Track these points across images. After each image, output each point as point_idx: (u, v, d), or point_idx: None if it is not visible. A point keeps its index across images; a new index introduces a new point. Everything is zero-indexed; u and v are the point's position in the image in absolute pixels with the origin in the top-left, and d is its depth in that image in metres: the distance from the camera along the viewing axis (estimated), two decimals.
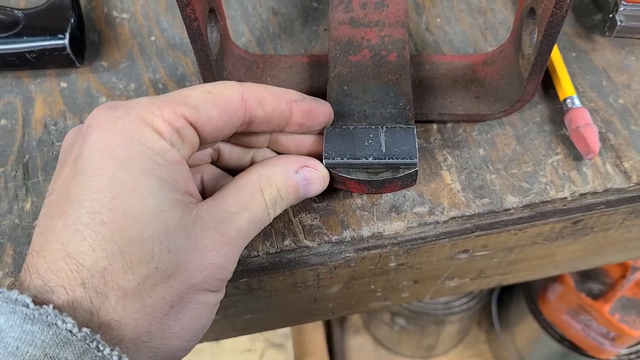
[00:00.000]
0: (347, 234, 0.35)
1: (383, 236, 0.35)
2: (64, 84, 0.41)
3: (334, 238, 0.35)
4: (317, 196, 0.36)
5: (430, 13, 0.43)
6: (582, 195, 0.36)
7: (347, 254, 0.36)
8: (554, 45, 0.32)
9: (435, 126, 0.38)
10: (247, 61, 0.40)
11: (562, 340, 0.86)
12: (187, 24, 0.32)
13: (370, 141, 0.33)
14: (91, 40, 0.43)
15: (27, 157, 0.38)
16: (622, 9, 0.39)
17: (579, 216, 0.38)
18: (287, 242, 0.35)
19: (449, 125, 0.38)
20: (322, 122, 0.32)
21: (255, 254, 0.34)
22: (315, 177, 0.31)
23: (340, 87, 0.36)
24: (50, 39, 0.40)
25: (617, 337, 0.77)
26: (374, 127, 0.33)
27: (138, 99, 0.27)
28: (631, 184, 0.36)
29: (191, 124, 0.27)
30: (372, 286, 0.42)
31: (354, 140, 0.33)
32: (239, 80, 0.38)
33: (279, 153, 0.34)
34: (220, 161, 0.33)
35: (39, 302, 0.22)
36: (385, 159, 0.32)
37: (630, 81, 0.39)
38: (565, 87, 0.38)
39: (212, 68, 0.34)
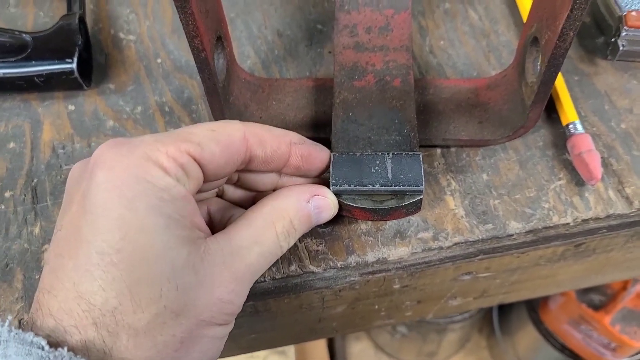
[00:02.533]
0: (352, 260, 0.35)
1: (388, 261, 0.36)
2: (71, 107, 0.41)
3: (339, 264, 0.35)
4: None
5: (434, 35, 0.44)
6: (585, 221, 0.36)
7: (352, 278, 0.37)
8: (557, 75, 0.33)
9: (439, 151, 0.39)
10: (253, 85, 0.40)
11: (563, 349, 0.87)
12: (194, 54, 0.32)
13: (376, 167, 0.33)
14: (98, 63, 0.43)
15: (35, 180, 0.38)
16: (624, 33, 0.39)
17: (581, 240, 0.39)
18: (293, 267, 0.35)
19: (453, 149, 0.39)
20: (318, 168, 0.33)
21: (262, 279, 0.35)
22: (326, 204, 0.32)
23: (346, 114, 0.37)
24: (58, 63, 0.40)
25: (618, 348, 0.77)
26: (380, 153, 0.34)
27: (143, 137, 0.27)
28: (633, 210, 0.36)
29: (195, 160, 0.27)
30: (376, 306, 0.43)
31: (361, 167, 0.33)
32: (245, 104, 0.39)
33: None
34: (224, 197, 0.34)
35: (53, 343, 0.23)
36: (391, 185, 0.33)
37: (632, 105, 0.40)
38: (568, 113, 0.38)
39: (218, 95, 0.35)
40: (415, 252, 0.36)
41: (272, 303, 0.38)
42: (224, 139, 0.29)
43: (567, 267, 0.43)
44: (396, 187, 0.33)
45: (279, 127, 0.38)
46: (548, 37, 0.32)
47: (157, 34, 0.45)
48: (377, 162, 0.34)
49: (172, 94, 0.42)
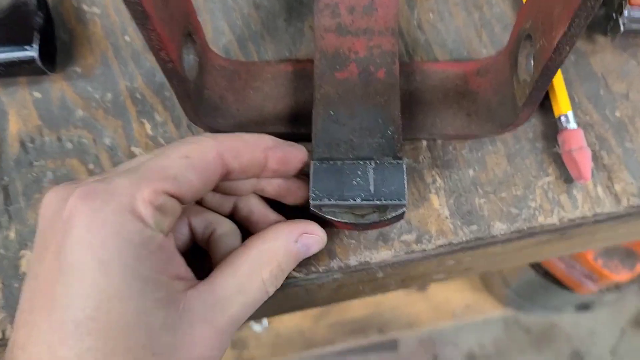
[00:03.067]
0: (335, 264, 0.35)
1: (370, 264, 0.35)
2: (37, 94, 0.39)
3: (321, 268, 0.35)
4: None
5: (422, 7, 0.40)
6: (571, 220, 0.35)
7: (335, 276, 0.36)
8: (550, 83, 0.30)
9: (424, 143, 0.37)
10: (228, 71, 0.37)
11: (546, 275, 0.89)
12: (161, 65, 0.30)
13: (358, 179, 0.32)
14: (62, 41, 0.40)
15: (6, 179, 0.37)
16: (626, 13, 0.37)
17: (566, 231, 0.38)
18: None
19: (439, 142, 0.37)
20: (296, 168, 0.32)
21: None
22: (315, 242, 0.31)
23: (326, 112, 0.35)
24: (17, 50, 0.37)
25: (599, 279, 0.80)
26: (362, 162, 0.32)
27: (117, 179, 0.26)
28: (620, 208, 0.35)
29: (173, 196, 0.27)
30: (361, 287, 0.43)
31: (342, 178, 0.32)
32: (221, 97, 0.37)
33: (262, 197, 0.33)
34: (204, 204, 0.33)
35: None
36: (373, 200, 0.32)
37: (628, 90, 0.38)
38: (561, 104, 0.36)
39: (190, 99, 0.33)
40: (398, 255, 0.35)
41: None
42: (199, 165, 0.28)
43: (552, 247, 0.43)
44: (378, 202, 0.32)
45: (258, 120, 0.37)
46: (542, 45, 0.29)
47: (124, 6, 0.41)
48: (359, 172, 0.32)
49: (143, 78, 0.39)
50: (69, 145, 0.38)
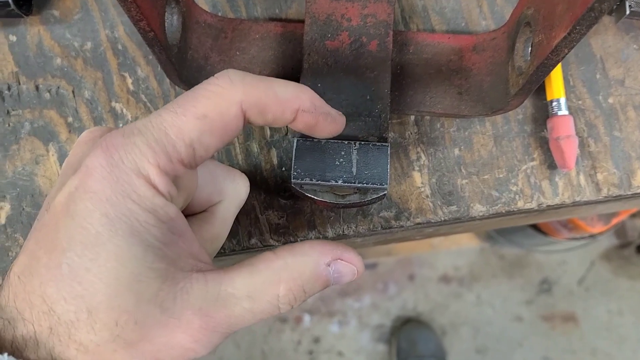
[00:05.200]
0: (313, 235, 0.35)
1: (348, 236, 0.36)
2: (13, 38, 0.37)
3: (299, 239, 0.35)
4: (285, 193, 0.35)
5: None
6: (549, 206, 0.36)
7: None
8: (544, 78, 0.30)
9: (412, 118, 0.36)
10: (214, 29, 0.36)
11: None
12: (141, 34, 0.28)
13: (341, 159, 0.32)
14: None
15: None
16: None
17: (543, 212, 0.38)
18: (253, 240, 0.35)
19: (427, 117, 0.36)
20: (323, 136, 0.29)
21: (222, 250, 0.35)
22: (349, 271, 0.27)
23: (314, 84, 0.34)
24: None
25: (574, 229, 0.81)
26: (346, 142, 0.32)
27: (136, 138, 0.24)
28: (600, 197, 0.36)
29: (186, 165, 0.25)
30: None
31: (325, 158, 0.32)
32: (206, 56, 0.35)
33: None
34: None
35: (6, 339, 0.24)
36: (355, 182, 0.31)
37: (625, 76, 0.37)
38: (555, 88, 0.35)
39: (173, 64, 0.31)
40: (375, 230, 0.36)
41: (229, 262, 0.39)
42: (218, 126, 0.25)
43: (528, 219, 0.44)
44: (359, 184, 0.31)
45: None
46: (541, 41, 0.28)
47: None
48: (343, 152, 0.32)
49: (125, 28, 0.37)
50: (47, 96, 0.37)
